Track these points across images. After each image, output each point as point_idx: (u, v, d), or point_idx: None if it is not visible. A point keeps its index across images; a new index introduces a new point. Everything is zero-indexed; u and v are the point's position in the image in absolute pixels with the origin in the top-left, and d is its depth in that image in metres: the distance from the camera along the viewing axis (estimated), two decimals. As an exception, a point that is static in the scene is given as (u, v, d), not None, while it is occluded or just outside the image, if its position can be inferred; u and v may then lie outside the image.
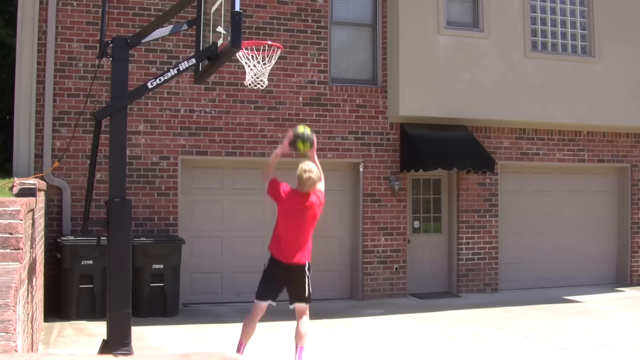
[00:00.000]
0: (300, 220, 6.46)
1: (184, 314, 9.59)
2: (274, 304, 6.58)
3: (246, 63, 7.40)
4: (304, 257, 6.47)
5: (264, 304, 6.50)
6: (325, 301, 10.66)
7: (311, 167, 6.44)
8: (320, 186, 6.64)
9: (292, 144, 6.53)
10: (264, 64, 6.60)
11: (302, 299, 6.52)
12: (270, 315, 9.53)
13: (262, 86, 7.58)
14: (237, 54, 6.79)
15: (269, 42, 7.59)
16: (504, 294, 11.51)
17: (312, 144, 6.55)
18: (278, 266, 6.47)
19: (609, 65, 12.19)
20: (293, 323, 9.20)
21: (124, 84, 5.95)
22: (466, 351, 7.74)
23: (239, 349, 6.43)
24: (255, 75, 6.62)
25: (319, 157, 10.76)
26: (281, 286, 6.56)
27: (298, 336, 6.52)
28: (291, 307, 6.61)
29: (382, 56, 11.27)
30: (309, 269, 6.51)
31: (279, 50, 7.52)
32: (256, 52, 7.37)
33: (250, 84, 7.56)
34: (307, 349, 6.53)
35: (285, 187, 6.58)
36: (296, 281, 6.47)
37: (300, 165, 6.47)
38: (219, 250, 10.63)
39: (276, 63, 8.24)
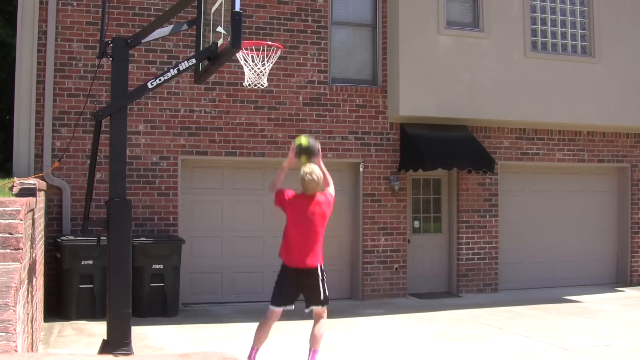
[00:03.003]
0: (308, 222, 6.44)
1: (184, 314, 9.59)
2: (291, 307, 6.54)
3: (245, 64, 7.40)
4: (316, 260, 6.43)
5: (279, 310, 6.47)
6: (325, 301, 10.68)
7: (313, 169, 6.44)
8: (331, 190, 6.68)
9: (298, 155, 6.55)
10: (264, 64, 6.60)
11: (317, 302, 6.49)
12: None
13: (261, 86, 7.59)
14: (237, 54, 6.79)
15: (269, 42, 7.59)
16: (504, 294, 11.51)
17: (316, 153, 6.53)
18: (290, 272, 6.45)
19: (609, 65, 12.19)
20: (293, 323, 9.21)
21: (124, 84, 5.96)
22: (466, 351, 7.74)
23: (252, 354, 6.38)
24: (255, 75, 6.63)
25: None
26: (296, 292, 6.51)
27: (313, 339, 6.49)
28: (307, 310, 6.57)
29: (382, 56, 11.27)
30: (322, 272, 6.49)
31: (279, 51, 7.52)
32: (256, 53, 7.37)
33: (249, 85, 7.56)
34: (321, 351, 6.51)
35: (289, 193, 6.57)
36: (310, 285, 6.44)
37: (302, 169, 6.48)
38: (219, 250, 10.63)
39: (276, 63, 8.25)
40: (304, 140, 6.58)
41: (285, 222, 6.59)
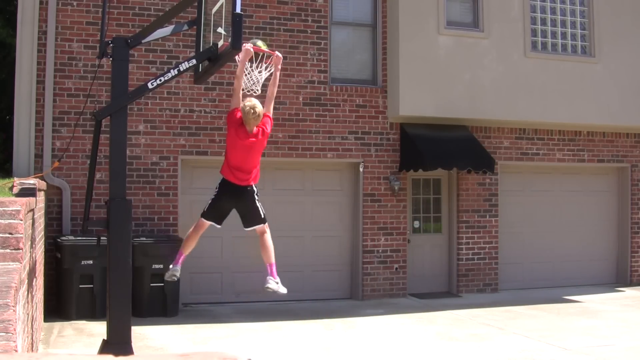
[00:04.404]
0: (247, 152, 6.42)
1: (184, 314, 9.59)
2: (218, 226, 6.69)
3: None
4: (252, 180, 6.54)
5: (207, 223, 6.57)
6: (325, 301, 10.68)
7: (255, 103, 6.27)
8: (268, 122, 6.51)
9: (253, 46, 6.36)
10: (260, 71, 6.60)
11: (259, 220, 6.62)
12: (271, 315, 9.56)
13: (255, 93, 7.57)
14: (237, 56, 6.78)
15: (269, 51, 7.55)
16: (504, 294, 11.50)
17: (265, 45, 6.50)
18: (229, 187, 6.52)
19: (609, 65, 12.19)
20: (294, 323, 9.22)
21: (124, 84, 5.96)
22: (466, 351, 7.74)
23: (178, 260, 6.48)
24: (250, 80, 6.62)
25: (318, 157, 10.87)
26: (227, 210, 6.65)
27: (265, 253, 6.59)
28: (249, 229, 6.70)
29: (382, 56, 11.27)
30: (256, 192, 6.60)
31: (280, 61, 7.48)
32: (254, 57, 7.35)
33: (244, 89, 7.55)
34: (285, 291, 6.53)
35: (238, 114, 6.37)
36: (247, 205, 6.56)
37: (244, 102, 6.32)
38: (219, 250, 10.63)
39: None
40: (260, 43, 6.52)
41: (226, 139, 6.62)
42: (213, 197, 6.61)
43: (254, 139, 6.37)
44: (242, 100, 6.39)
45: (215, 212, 6.58)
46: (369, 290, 11.02)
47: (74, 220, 9.60)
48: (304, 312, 9.77)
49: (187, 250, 6.55)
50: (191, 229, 6.60)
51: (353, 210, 11.27)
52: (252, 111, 6.20)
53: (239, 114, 6.32)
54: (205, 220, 6.55)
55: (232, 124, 6.40)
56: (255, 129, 6.37)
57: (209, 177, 10.65)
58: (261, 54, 6.52)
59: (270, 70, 6.64)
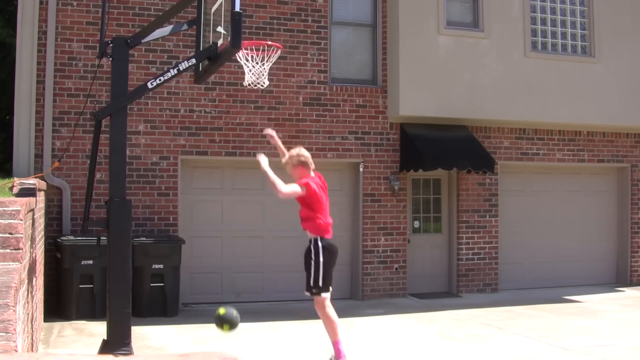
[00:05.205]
0: (326, 195, 6.71)
1: (184, 314, 9.59)
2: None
3: (245, 64, 7.40)
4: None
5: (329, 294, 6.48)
6: (325, 301, 10.67)
7: (298, 149, 6.76)
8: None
9: (220, 325, 5.67)
10: (263, 63, 6.61)
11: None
12: (271, 315, 9.56)
13: (262, 86, 7.59)
14: (237, 54, 6.79)
15: (269, 42, 7.59)
16: (504, 294, 11.50)
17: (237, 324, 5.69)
18: (331, 245, 6.58)
19: (609, 65, 12.19)
20: (294, 323, 9.21)
21: (124, 84, 5.96)
22: (466, 351, 7.74)
23: (340, 352, 6.36)
24: (254, 75, 6.63)
25: (319, 156, 10.86)
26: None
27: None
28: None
29: (382, 56, 11.27)
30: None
31: (279, 51, 7.52)
32: (256, 52, 7.37)
33: (250, 85, 7.56)
34: (332, 341, 6.46)
35: (312, 180, 6.66)
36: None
37: (297, 152, 6.70)
38: (219, 250, 10.63)
39: (276, 63, 8.25)
40: (221, 310, 5.67)
41: (310, 202, 6.61)
42: (322, 266, 6.46)
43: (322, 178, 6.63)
44: (296, 160, 6.63)
45: (330, 278, 6.50)
46: (369, 290, 11.02)
47: (74, 220, 9.60)
48: (304, 312, 9.76)
49: (339, 332, 6.43)
50: (325, 312, 6.47)
51: (353, 210, 11.27)
52: (304, 154, 6.56)
53: (307, 173, 6.59)
54: (329, 294, 6.46)
55: (309, 184, 6.53)
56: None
57: (209, 177, 10.69)
58: (262, 47, 6.54)
59: (272, 60, 6.70)
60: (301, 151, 6.72)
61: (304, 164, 6.68)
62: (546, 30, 12.03)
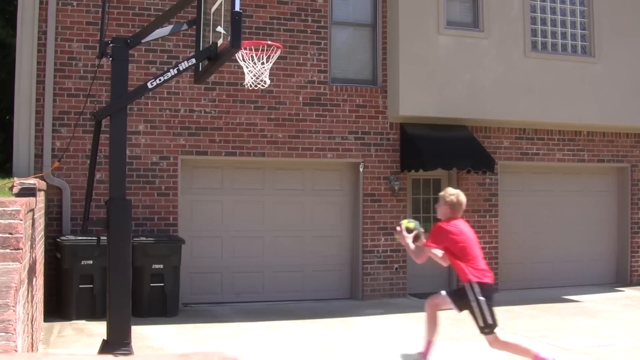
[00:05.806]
0: (475, 237, 6.55)
1: (184, 314, 9.59)
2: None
3: (245, 64, 7.40)
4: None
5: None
6: (325, 301, 10.68)
7: (448, 189, 6.69)
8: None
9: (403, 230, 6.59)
10: (263, 63, 6.61)
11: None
12: (271, 315, 9.56)
13: (263, 86, 7.59)
14: (237, 54, 6.79)
15: (269, 42, 7.59)
16: (504, 294, 11.47)
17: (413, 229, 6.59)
18: (491, 289, 6.58)
19: (609, 65, 12.19)
20: (294, 323, 9.21)
21: (124, 84, 5.96)
22: (466, 351, 7.74)
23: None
24: (255, 75, 6.63)
25: (318, 157, 10.86)
26: None
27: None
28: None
29: (382, 56, 11.27)
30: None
31: (279, 50, 7.52)
32: (256, 52, 7.37)
33: (250, 85, 7.57)
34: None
35: (452, 227, 6.54)
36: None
37: (451, 191, 6.64)
38: (219, 250, 10.63)
39: (276, 63, 8.25)
40: (409, 223, 6.72)
41: (457, 247, 6.50)
42: (488, 309, 6.57)
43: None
44: (448, 203, 6.58)
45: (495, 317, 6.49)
46: (369, 290, 11.02)
47: (74, 220, 9.60)
48: (304, 312, 9.77)
49: (531, 347, 6.54)
50: (506, 345, 6.54)
51: (353, 210, 11.27)
52: (458, 196, 6.44)
53: (448, 227, 6.50)
54: (496, 330, 6.49)
55: (451, 231, 6.50)
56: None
57: (209, 177, 10.69)
58: (261, 46, 6.54)
59: (272, 59, 6.67)
60: (449, 191, 6.56)
61: (450, 205, 6.50)
62: (546, 30, 12.03)
